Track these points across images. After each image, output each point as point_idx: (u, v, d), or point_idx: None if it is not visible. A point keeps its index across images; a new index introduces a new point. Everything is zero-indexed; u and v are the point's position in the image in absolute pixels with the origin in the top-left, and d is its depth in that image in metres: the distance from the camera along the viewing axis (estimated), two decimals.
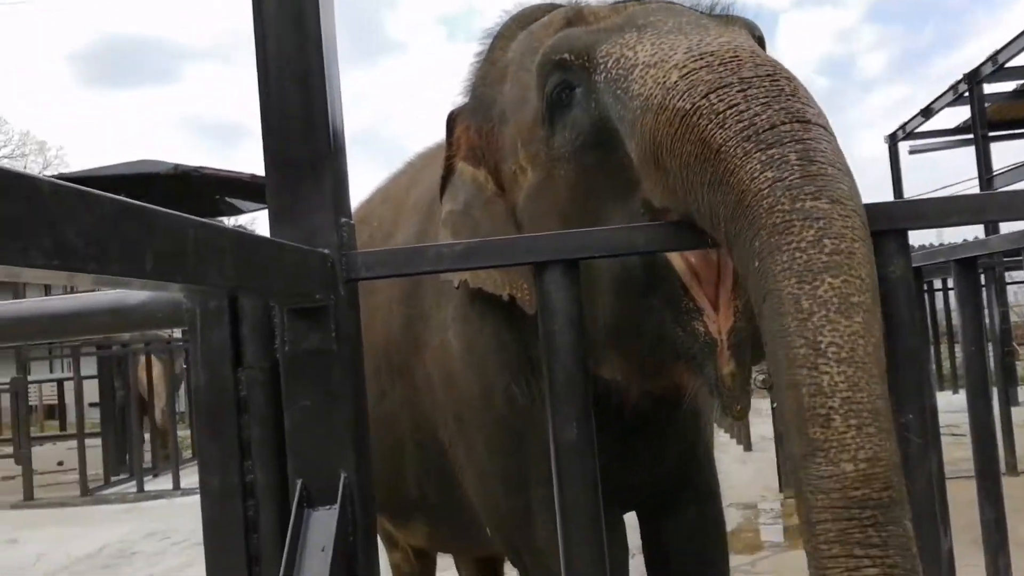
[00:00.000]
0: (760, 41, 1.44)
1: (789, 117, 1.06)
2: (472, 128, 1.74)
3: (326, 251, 1.10)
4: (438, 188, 1.83)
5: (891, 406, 0.95)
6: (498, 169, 1.68)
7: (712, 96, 1.11)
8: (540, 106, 1.48)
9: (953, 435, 5.99)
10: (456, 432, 1.96)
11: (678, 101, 1.14)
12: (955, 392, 9.99)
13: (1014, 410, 6.43)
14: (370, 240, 2.42)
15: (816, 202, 0.98)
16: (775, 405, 3.32)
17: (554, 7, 1.71)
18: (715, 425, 2.08)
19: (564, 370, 1.09)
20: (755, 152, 1.04)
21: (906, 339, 1.06)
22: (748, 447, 7.83)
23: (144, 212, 0.66)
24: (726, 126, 1.07)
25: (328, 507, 1.06)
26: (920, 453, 1.05)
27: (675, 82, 1.16)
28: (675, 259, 1.28)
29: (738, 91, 1.10)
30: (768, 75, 1.12)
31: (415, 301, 2.06)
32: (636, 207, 1.31)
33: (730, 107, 1.09)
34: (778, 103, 1.08)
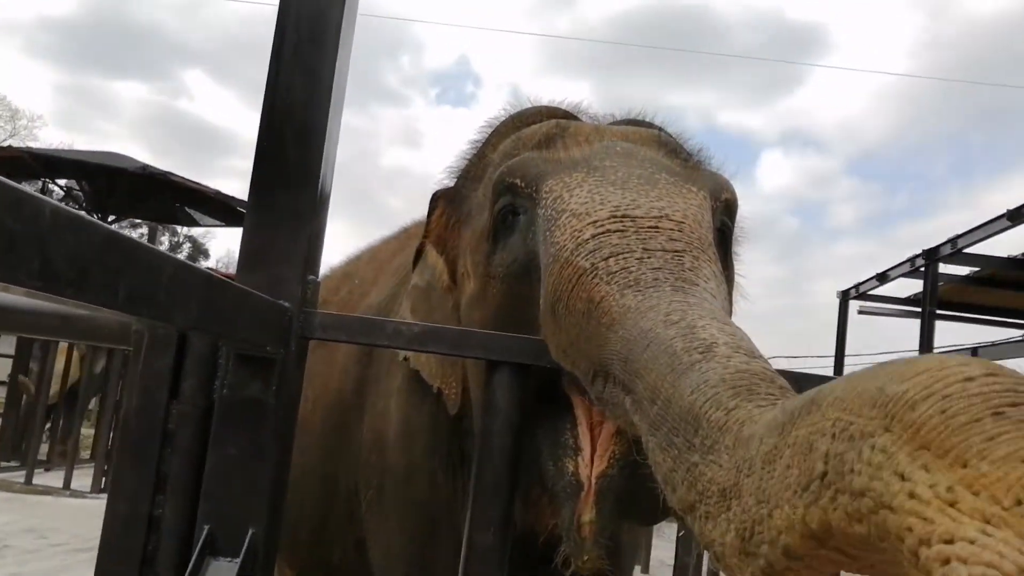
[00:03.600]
0: (727, 204, 1.41)
1: (673, 276, 1.07)
2: (444, 217, 1.74)
3: (287, 304, 1.11)
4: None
5: None
6: (455, 264, 1.68)
7: (611, 260, 1.11)
8: (488, 222, 1.48)
9: None
10: (375, 501, 1.94)
11: (582, 259, 1.14)
12: None
13: None
14: (348, 296, 2.44)
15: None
16: (681, 533, 3.30)
17: (554, 113, 1.72)
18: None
19: (494, 472, 1.10)
20: (632, 294, 1.04)
21: None
22: (645, 569, 7.78)
23: (127, 244, 0.67)
24: (612, 283, 1.08)
25: (230, 559, 1.05)
26: None
27: (587, 240, 1.17)
28: (574, 393, 1.25)
29: (637, 259, 1.11)
30: (675, 251, 1.13)
31: (370, 362, 2.06)
32: None
33: (623, 268, 1.09)
34: (669, 270, 1.09)
